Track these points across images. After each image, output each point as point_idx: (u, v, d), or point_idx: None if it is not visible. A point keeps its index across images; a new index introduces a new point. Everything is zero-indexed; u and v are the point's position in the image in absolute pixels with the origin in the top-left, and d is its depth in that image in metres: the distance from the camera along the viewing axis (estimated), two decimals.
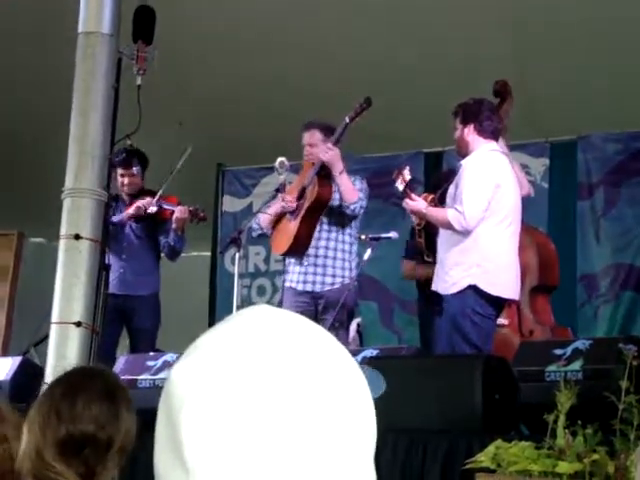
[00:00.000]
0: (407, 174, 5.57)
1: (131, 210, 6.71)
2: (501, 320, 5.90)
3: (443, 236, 5.48)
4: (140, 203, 6.69)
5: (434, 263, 5.65)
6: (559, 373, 4.21)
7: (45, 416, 2.19)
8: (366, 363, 4.58)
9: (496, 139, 5.53)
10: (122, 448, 2.21)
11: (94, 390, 2.24)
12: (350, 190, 6.05)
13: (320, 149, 6.11)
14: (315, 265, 6.15)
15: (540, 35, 7.62)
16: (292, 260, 6.27)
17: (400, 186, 5.56)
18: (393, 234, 6.38)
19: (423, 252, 6.32)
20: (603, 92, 7.77)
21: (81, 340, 5.02)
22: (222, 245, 8.54)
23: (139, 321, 6.73)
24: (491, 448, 3.62)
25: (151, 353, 5.97)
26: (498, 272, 5.30)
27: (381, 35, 7.83)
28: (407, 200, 5.56)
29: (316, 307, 6.12)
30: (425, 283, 6.13)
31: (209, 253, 9.79)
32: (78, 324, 5.00)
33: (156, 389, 5.23)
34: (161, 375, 5.38)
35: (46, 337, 5.26)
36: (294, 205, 6.18)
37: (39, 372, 5.23)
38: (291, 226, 6.21)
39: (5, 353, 8.35)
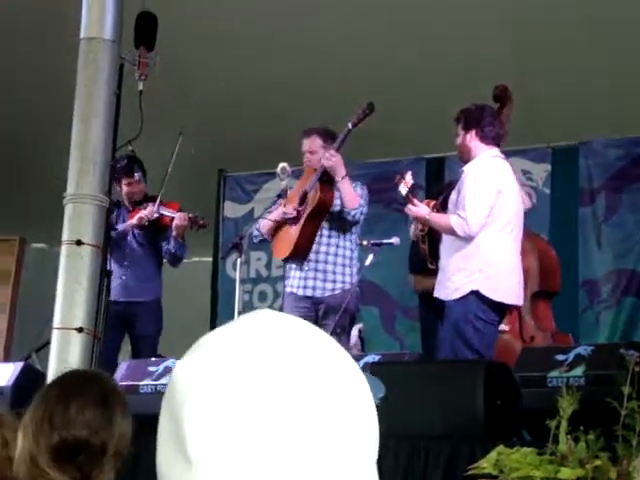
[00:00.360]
0: (410, 179, 5.57)
1: (134, 221, 6.71)
2: (502, 326, 5.90)
3: (445, 242, 5.48)
4: (142, 214, 6.69)
5: (437, 270, 5.65)
6: (561, 379, 4.20)
7: (38, 422, 2.18)
8: (368, 369, 4.57)
9: (498, 145, 5.53)
10: (117, 452, 2.21)
11: (88, 395, 2.23)
12: (352, 196, 6.05)
13: (320, 155, 6.12)
14: (316, 270, 6.15)
15: (541, 39, 7.62)
16: (293, 265, 6.27)
17: (403, 191, 5.56)
18: (395, 240, 6.38)
19: (426, 259, 6.31)
20: (604, 97, 7.77)
21: (83, 346, 5.02)
22: (223, 251, 8.53)
23: (141, 327, 6.72)
24: (493, 454, 3.62)
25: (153, 359, 5.96)
26: (500, 277, 5.29)
27: (382, 38, 7.84)
28: (410, 206, 5.56)
29: (316, 312, 6.12)
30: (427, 293, 6.12)
31: (210, 259, 9.79)
32: (80, 330, 5.00)
33: (158, 394, 5.22)
34: (163, 381, 5.37)
35: (48, 343, 5.26)
36: (294, 214, 6.18)
37: (41, 378, 5.22)
38: (292, 231, 6.21)
39: (7, 358, 8.35)
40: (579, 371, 4.23)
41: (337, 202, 6.14)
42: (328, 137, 6.19)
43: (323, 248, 6.16)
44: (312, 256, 6.15)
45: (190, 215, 6.63)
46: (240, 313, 6.86)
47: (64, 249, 5.16)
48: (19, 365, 6.08)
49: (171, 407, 0.90)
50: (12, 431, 2.35)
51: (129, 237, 6.80)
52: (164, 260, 6.92)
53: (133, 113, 5.36)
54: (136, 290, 6.74)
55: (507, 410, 4.23)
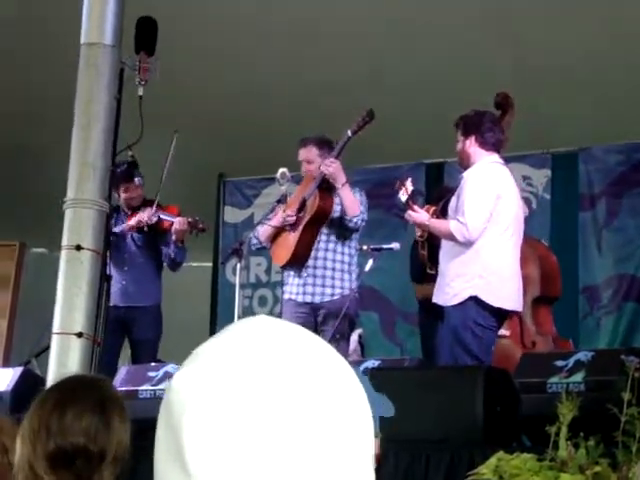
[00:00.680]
0: (410, 185, 5.58)
1: (132, 222, 6.70)
2: (502, 331, 5.90)
3: (445, 247, 5.48)
4: (140, 217, 6.67)
5: (436, 275, 5.65)
6: (561, 385, 4.20)
7: (35, 429, 2.17)
8: (368, 374, 4.57)
9: (498, 151, 5.53)
10: (116, 458, 2.20)
11: (85, 401, 2.22)
12: (353, 203, 6.04)
13: (317, 164, 6.12)
14: (314, 276, 6.14)
15: (541, 45, 7.63)
16: (291, 272, 6.27)
17: (403, 197, 5.56)
18: (395, 245, 6.38)
19: (426, 264, 6.31)
20: (604, 103, 7.78)
21: (82, 351, 5.01)
22: (223, 256, 8.53)
23: (140, 332, 6.72)
24: (493, 460, 3.61)
25: (152, 364, 5.96)
26: (500, 283, 5.29)
27: (381, 45, 7.84)
28: (410, 212, 5.56)
29: (315, 318, 6.11)
30: (427, 300, 6.12)
31: (210, 264, 9.79)
32: (79, 335, 4.99)
33: (157, 400, 5.21)
34: (162, 386, 5.37)
35: (47, 347, 5.25)
36: (294, 219, 6.17)
37: (40, 383, 5.21)
38: (291, 238, 6.20)
39: (6, 363, 8.34)
40: (579, 377, 4.22)
41: (337, 209, 6.14)
42: (324, 146, 6.19)
43: (322, 254, 6.16)
44: (311, 262, 6.15)
45: (189, 219, 6.61)
46: (240, 318, 6.85)
47: (64, 254, 5.15)
48: (18, 370, 6.07)
49: (169, 418, 0.90)
50: (12, 437, 2.35)
51: (128, 241, 6.79)
52: (164, 265, 6.91)
53: (133, 118, 5.35)
54: (136, 295, 6.73)
55: (507, 416, 4.23)
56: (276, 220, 6.27)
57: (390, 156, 8.61)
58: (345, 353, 6.02)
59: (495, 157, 5.49)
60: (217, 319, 9.28)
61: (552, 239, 7.79)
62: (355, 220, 6.06)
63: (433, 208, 6.16)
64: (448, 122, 5.69)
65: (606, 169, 8.07)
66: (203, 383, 0.88)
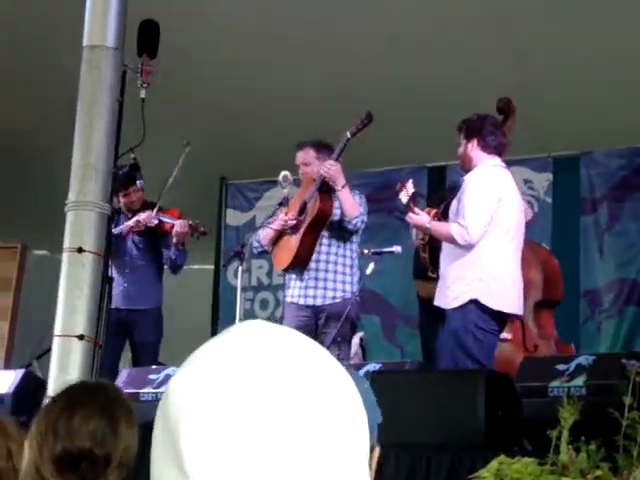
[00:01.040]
0: (411, 187, 5.58)
1: (131, 222, 6.69)
2: (504, 334, 5.90)
3: (446, 250, 5.48)
4: (140, 217, 6.67)
5: (438, 278, 5.65)
6: (562, 389, 4.20)
7: (42, 433, 2.18)
8: (369, 377, 4.57)
9: (499, 154, 5.53)
10: (122, 463, 2.20)
11: (92, 406, 2.22)
12: (352, 205, 6.05)
13: (315, 167, 6.13)
14: (316, 279, 6.14)
15: (542, 48, 7.63)
16: (293, 275, 6.27)
17: (404, 199, 5.56)
18: (396, 248, 6.38)
19: (427, 267, 6.31)
20: (606, 107, 7.78)
21: (84, 353, 5.01)
22: (225, 258, 8.54)
23: (141, 335, 6.72)
24: (494, 464, 3.61)
25: (153, 366, 5.96)
26: (500, 287, 5.29)
27: (382, 48, 7.85)
28: (410, 214, 5.56)
29: (317, 321, 6.11)
30: (428, 298, 6.12)
31: (212, 266, 9.79)
32: (81, 337, 5.00)
33: (158, 402, 5.21)
34: (163, 388, 5.35)
35: (49, 350, 5.25)
36: (294, 222, 6.18)
37: (41, 385, 5.22)
38: (292, 241, 6.21)
39: (8, 366, 8.34)
40: (580, 381, 4.22)
41: (337, 211, 6.14)
42: (322, 148, 6.20)
43: (323, 257, 6.16)
44: (312, 265, 6.15)
45: (190, 222, 6.61)
46: (241, 321, 6.85)
47: (65, 256, 5.15)
48: (20, 372, 6.08)
49: (166, 421, 0.91)
50: (17, 442, 2.35)
51: (129, 244, 6.79)
52: (165, 267, 6.91)
53: (135, 121, 5.36)
54: (137, 297, 6.74)
55: (508, 420, 4.23)
56: (277, 223, 6.28)
57: (392, 159, 8.61)
58: (346, 356, 6.02)
59: (497, 160, 5.50)
60: (218, 322, 9.28)
61: (553, 243, 7.79)
62: (354, 222, 6.06)
63: (434, 211, 6.16)
64: (450, 125, 5.69)
65: (608, 173, 8.07)
66: (201, 386, 0.89)
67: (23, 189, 9.83)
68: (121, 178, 6.29)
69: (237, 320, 6.47)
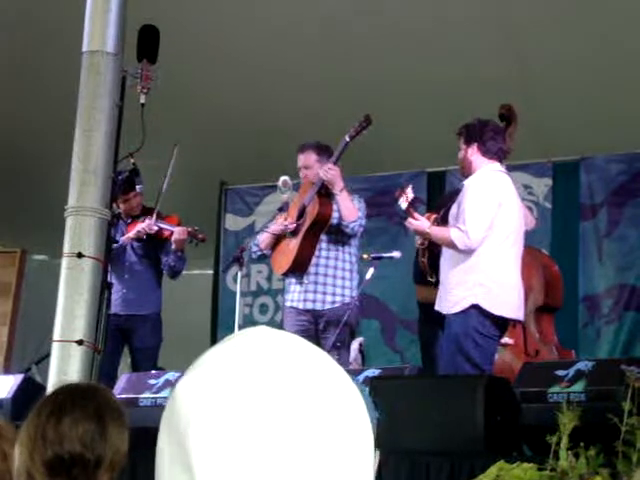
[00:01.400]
0: (410, 193, 5.57)
1: (132, 234, 6.70)
2: (506, 339, 5.90)
3: (446, 255, 5.47)
4: (140, 227, 6.67)
5: (437, 283, 5.64)
6: (562, 394, 4.20)
7: (32, 438, 2.18)
8: (368, 383, 4.57)
9: (500, 160, 5.52)
10: (113, 465, 2.20)
11: (80, 409, 2.22)
12: (350, 209, 6.05)
13: (316, 170, 6.13)
14: (315, 283, 6.14)
15: (542, 54, 7.64)
16: (292, 280, 6.27)
17: (403, 205, 5.56)
18: (396, 253, 6.38)
19: (426, 272, 6.31)
20: (606, 113, 7.78)
21: (83, 358, 5.01)
22: (224, 263, 8.54)
23: (141, 340, 6.72)
24: (493, 469, 3.61)
25: (153, 372, 5.96)
26: (500, 291, 5.28)
27: (382, 52, 7.85)
28: (410, 220, 5.55)
29: (316, 326, 6.11)
30: (427, 304, 6.13)
31: (211, 271, 9.79)
32: (80, 342, 5.00)
33: (158, 407, 5.22)
34: (163, 394, 5.37)
35: (48, 355, 5.25)
36: (294, 226, 6.18)
37: (41, 390, 5.22)
38: (291, 246, 6.20)
39: (7, 370, 8.34)
40: (580, 387, 4.22)
41: (336, 215, 6.15)
42: (323, 152, 6.21)
43: (323, 261, 6.16)
44: (312, 269, 6.15)
45: (189, 229, 6.61)
46: (240, 326, 6.86)
47: (65, 261, 5.15)
48: (19, 377, 6.08)
49: (173, 429, 0.91)
50: (12, 444, 2.35)
51: (128, 250, 6.79)
52: (164, 273, 6.91)
53: (135, 126, 5.36)
54: (136, 303, 6.73)
55: (507, 425, 4.22)
56: (276, 227, 6.28)
57: (391, 164, 8.61)
58: (346, 361, 6.02)
59: (497, 165, 5.49)
60: (218, 327, 9.28)
61: (553, 248, 7.79)
62: (352, 226, 6.06)
63: (434, 216, 6.16)
64: (450, 130, 5.69)
65: (607, 178, 8.07)
66: (209, 391, 0.89)
67: (23, 194, 9.84)
68: (121, 183, 6.29)
69: (236, 325, 6.47)
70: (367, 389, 3.90)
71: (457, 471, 4.04)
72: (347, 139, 5.99)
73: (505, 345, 6.02)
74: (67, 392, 2.32)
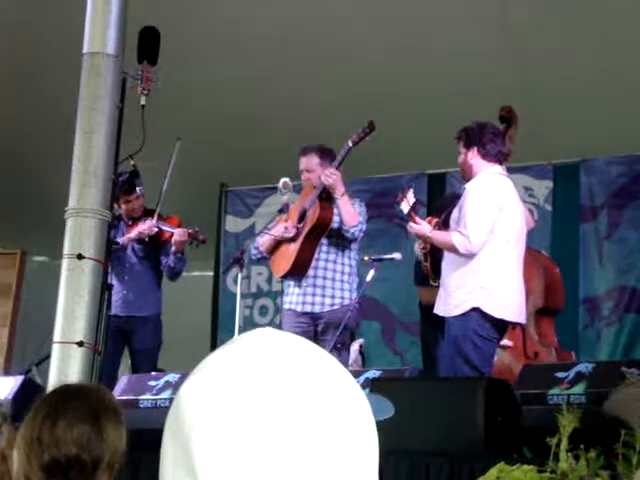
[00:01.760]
0: (411, 197, 5.57)
1: (133, 235, 6.70)
2: (505, 341, 5.89)
3: (447, 259, 5.47)
4: (141, 228, 6.67)
5: (439, 286, 5.64)
6: (562, 396, 4.20)
7: (28, 441, 2.17)
8: (368, 385, 4.57)
9: (500, 162, 5.52)
10: (111, 465, 2.20)
11: (75, 411, 2.22)
12: (351, 214, 6.05)
13: (318, 173, 6.12)
14: (314, 286, 6.14)
15: (543, 56, 7.64)
16: (291, 282, 6.27)
17: (405, 208, 5.55)
18: (396, 255, 6.38)
19: (429, 277, 6.31)
20: (606, 115, 7.78)
21: (83, 360, 5.01)
22: (225, 265, 8.54)
23: (141, 341, 6.72)
24: (493, 471, 3.61)
25: (153, 373, 5.96)
26: (502, 295, 5.28)
27: (383, 55, 7.86)
28: (411, 224, 5.55)
29: (315, 328, 6.11)
30: (428, 306, 6.12)
31: (211, 273, 9.79)
32: (80, 344, 5.00)
33: (158, 409, 5.22)
34: (163, 395, 5.37)
35: (48, 356, 5.25)
36: (294, 229, 6.18)
37: (41, 391, 5.20)
38: (291, 249, 6.20)
39: (7, 372, 8.34)
40: (580, 389, 4.22)
41: (336, 219, 6.14)
42: (325, 155, 6.20)
43: (322, 264, 6.16)
44: (311, 272, 6.15)
45: (190, 230, 6.61)
46: (241, 328, 6.86)
47: (65, 263, 5.16)
48: (19, 379, 6.07)
49: (177, 432, 0.91)
50: (11, 445, 2.35)
51: (129, 252, 6.79)
52: (164, 274, 6.92)
53: (135, 127, 5.36)
54: (136, 304, 6.73)
55: (507, 427, 4.22)
56: (276, 230, 6.28)
57: (392, 166, 8.61)
58: (345, 363, 6.02)
59: (497, 168, 5.49)
60: (218, 329, 9.28)
61: (553, 250, 7.79)
62: (352, 230, 6.06)
63: (435, 219, 6.16)
64: (450, 132, 5.69)
65: (607, 180, 8.08)
66: (213, 394, 0.89)
67: (23, 196, 9.84)
68: (121, 185, 6.30)
69: (236, 327, 6.47)
70: (367, 390, 3.90)
71: (457, 473, 4.04)
72: (350, 145, 5.97)
73: (504, 347, 6.02)
74: (61, 394, 2.31)
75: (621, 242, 7.97)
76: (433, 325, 6.08)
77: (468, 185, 5.47)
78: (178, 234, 6.57)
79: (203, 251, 7.53)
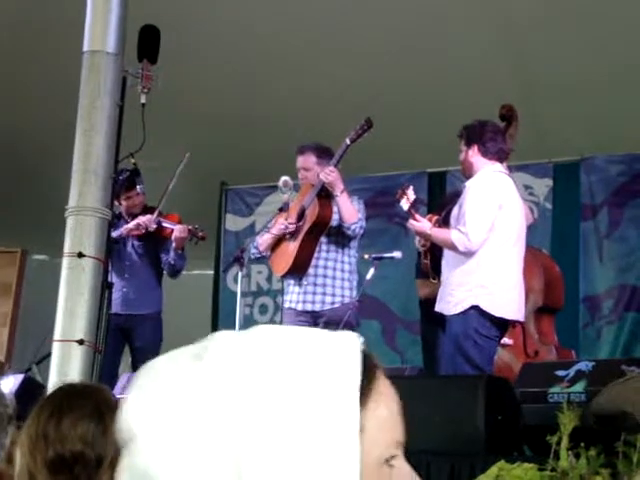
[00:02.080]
0: (411, 194, 5.57)
1: (131, 225, 6.70)
2: (505, 340, 5.89)
3: (447, 257, 5.48)
4: (141, 220, 6.68)
5: (439, 284, 5.64)
6: (562, 395, 4.20)
7: (33, 439, 2.18)
8: None
9: (501, 160, 5.52)
10: (114, 464, 2.20)
11: (80, 409, 2.23)
12: (350, 211, 6.05)
13: (315, 172, 6.13)
14: (315, 285, 6.14)
15: (542, 54, 7.64)
16: (291, 281, 6.27)
17: (405, 206, 5.56)
18: (396, 254, 6.38)
19: (429, 274, 6.31)
20: (606, 113, 7.78)
21: (83, 358, 5.02)
22: (225, 264, 8.54)
23: (141, 339, 6.72)
24: (494, 469, 3.61)
25: None
26: (502, 293, 5.28)
27: (382, 53, 7.86)
28: (412, 221, 5.55)
29: (315, 326, 6.11)
30: (428, 302, 6.13)
31: (212, 272, 9.79)
32: (80, 342, 5.00)
33: None
34: None
35: (48, 355, 5.25)
36: (294, 228, 6.18)
37: (41, 390, 5.21)
38: (291, 247, 6.20)
39: (8, 370, 8.33)
40: (580, 387, 4.22)
41: (336, 217, 6.15)
42: (322, 153, 6.20)
43: (322, 262, 6.17)
44: (311, 270, 6.15)
45: (190, 227, 6.63)
46: (241, 326, 6.86)
47: (65, 261, 5.16)
48: (20, 377, 6.07)
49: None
50: (15, 444, 2.35)
51: (129, 249, 6.80)
52: (164, 272, 6.92)
53: (135, 126, 5.37)
54: (136, 302, 6.74)
55: (508, 425, 4.22)
56: (276, 229, 6.28)
57: (392, 164, 8.61)
58: None
59: (498, 166, 5.49)
60: (218, 327, 9.28)
61: (553, 249, 7.79)
62: (352, 227, 6.06)
63: (435, 217, 6.16)
64: (450, 131, 5.69)
65: (607, 179, 8.08)
66: (154, 411, 0.92)
67: (23, 195, 9.84)
68: (122, 182, 6.31)
69: (237, 325, 6.48)
70: None
71: (457, 471, 4.04)
72: (348, 142, 5.98)
73: (504, 345, 6.02)
74: (65, 393, 2.33)
75: (621, 240, 7.97)
76: (433, 322, 6.08)
77: (468, 183, 5.47)
78: (178, 230, 6.58)
79: (203, 250, 7.54)
